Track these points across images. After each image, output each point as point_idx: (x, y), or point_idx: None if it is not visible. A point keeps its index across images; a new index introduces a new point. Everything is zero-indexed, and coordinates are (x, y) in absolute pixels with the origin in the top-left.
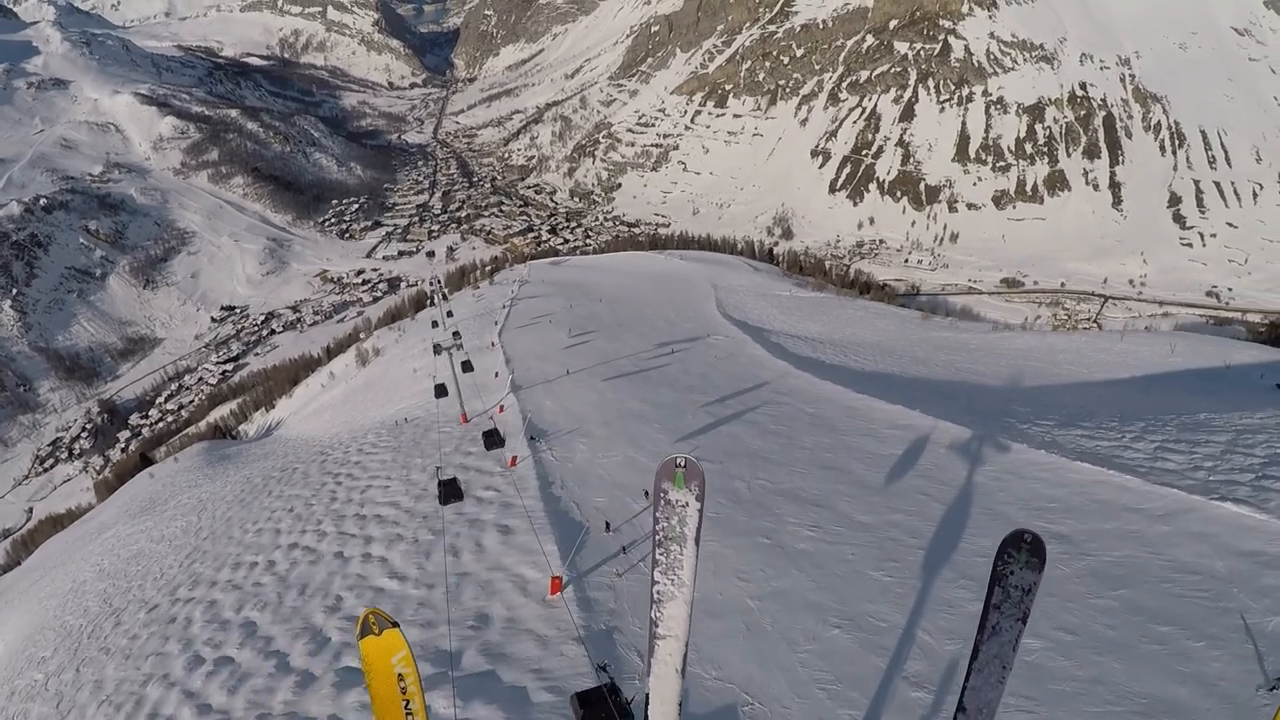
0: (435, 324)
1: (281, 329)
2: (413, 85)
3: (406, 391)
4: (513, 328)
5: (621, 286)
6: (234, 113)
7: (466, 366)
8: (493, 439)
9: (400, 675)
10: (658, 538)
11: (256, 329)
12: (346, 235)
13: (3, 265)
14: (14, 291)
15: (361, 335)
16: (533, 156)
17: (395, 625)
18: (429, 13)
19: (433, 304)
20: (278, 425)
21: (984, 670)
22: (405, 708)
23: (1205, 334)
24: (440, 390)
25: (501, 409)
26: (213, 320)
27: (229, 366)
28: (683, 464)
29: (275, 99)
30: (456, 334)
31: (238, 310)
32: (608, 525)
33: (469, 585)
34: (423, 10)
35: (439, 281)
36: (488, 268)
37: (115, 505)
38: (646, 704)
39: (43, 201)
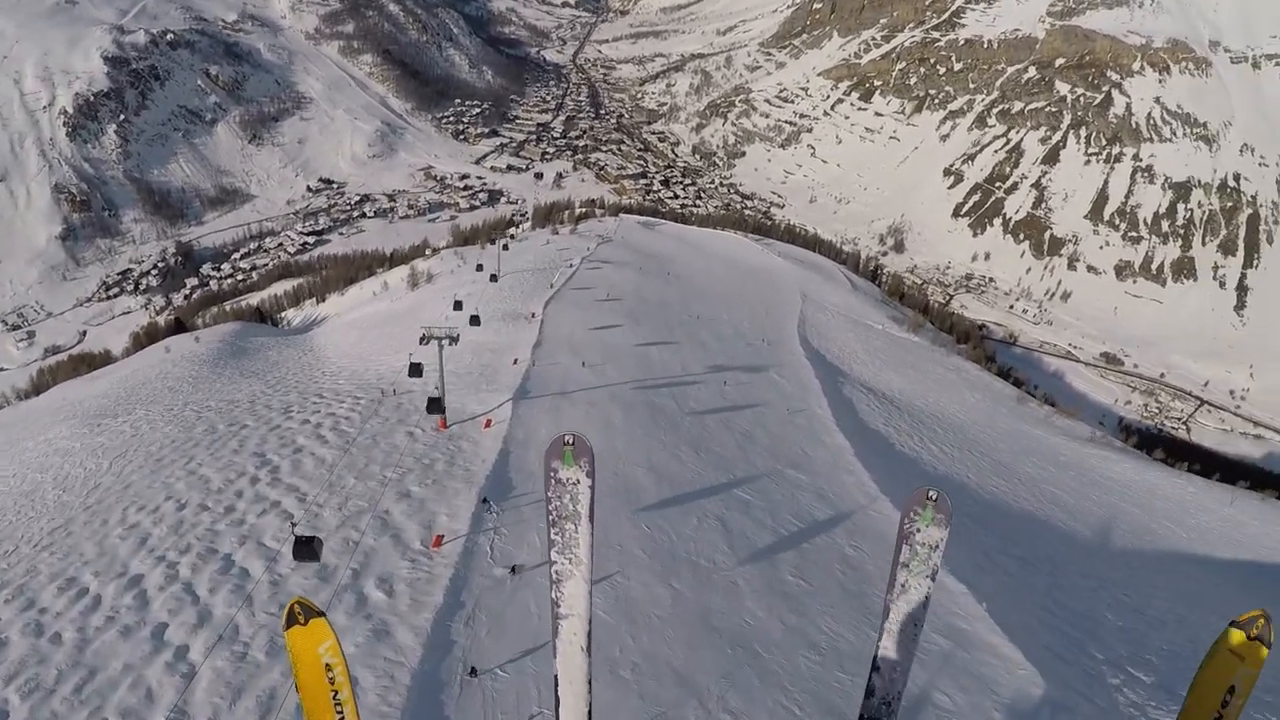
0: (480, 267)
1: (373, 214)
2: (564, 4)
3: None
4: (565, 299)
5: (707, 272)
6: None
7: (475, 320)
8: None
9: (328, 665)
10: (551, 517)
11: (349, 209)
12: (460, 137)
13: (117, 91)
14: (121, 117)
15: (427, 251)
16: (665, 103)
17: (321, 614)
18: None
19: (493, 243)
20: (319, 322)
21: (895, 629)
22: (334, 699)
23: None
24: (415, 369)
25: (489, 423)
26: (309, 190)
27: (310, 239)
28: (571, 441)
29: None
30: (458, 304)
31: (335, 185)
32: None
33: None
34: None
35: (506, 238)
36: (577, 211)
37: (96, 385)
38: (556, 685)
39: (170, 36)
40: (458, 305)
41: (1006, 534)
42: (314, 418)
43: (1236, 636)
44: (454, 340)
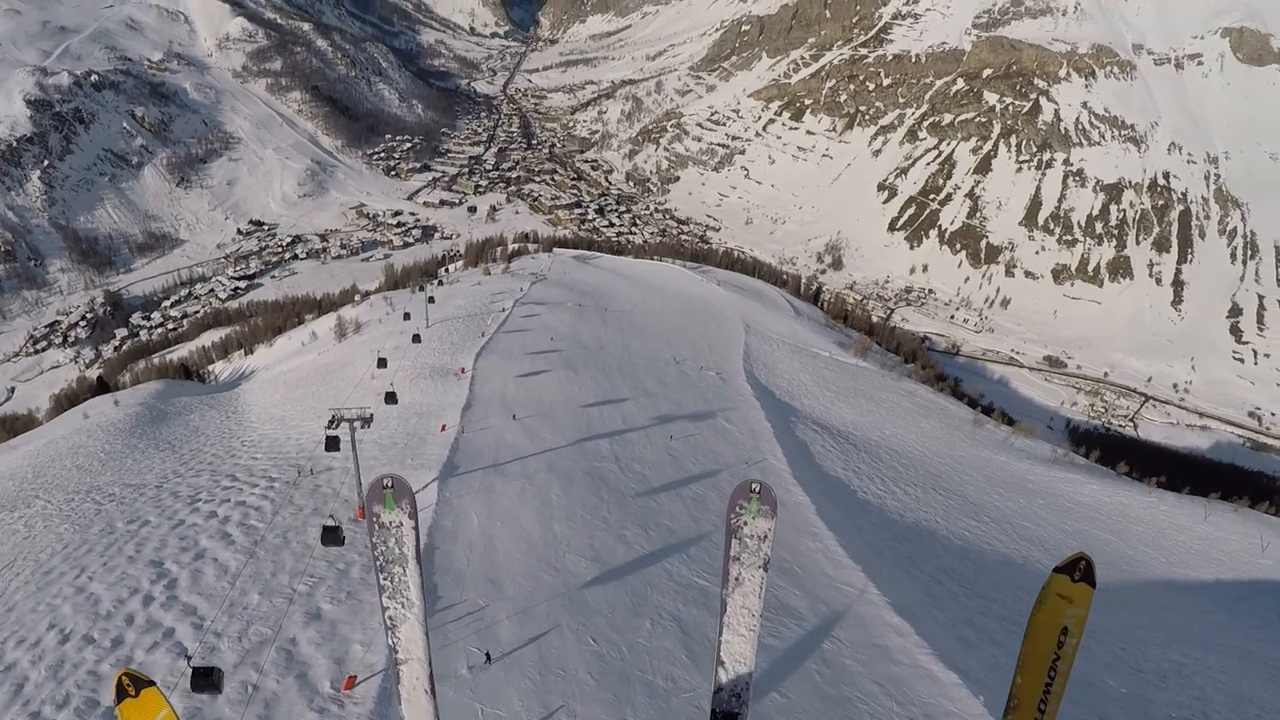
0: (408, 316)
1: (305, 256)
2: (493, 34)
3: (354, 399)
4: (497, 350)
5: (646, 307)
6: (307, 26)
7: (391, 399)
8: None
9: None
10: (378, 563)
11: (281, 251)
12: (392, 173)
13: (40, 135)
14: (45, 163)
15: (356, 298)
16: (597, 131)
17: (151, 683)
18: None
19: (423, 290)
20: (247, 376)
21: (734, 622)
22: None
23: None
24: (332, 443)
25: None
26: (239, 232)
27: (242, 284)
28: (390, 484)
29: (353, 20)
30: (382, 361)
31: (266, 227)
32: None
33: None
34: None
35: (428, 285)
36: (510, 248)
37: (7, 461)
38: None
39: (94, 78)
40: (382, 363)
41: (986, 591)
42: (222, 509)
43: (1061, 581)
44: (366, 423)
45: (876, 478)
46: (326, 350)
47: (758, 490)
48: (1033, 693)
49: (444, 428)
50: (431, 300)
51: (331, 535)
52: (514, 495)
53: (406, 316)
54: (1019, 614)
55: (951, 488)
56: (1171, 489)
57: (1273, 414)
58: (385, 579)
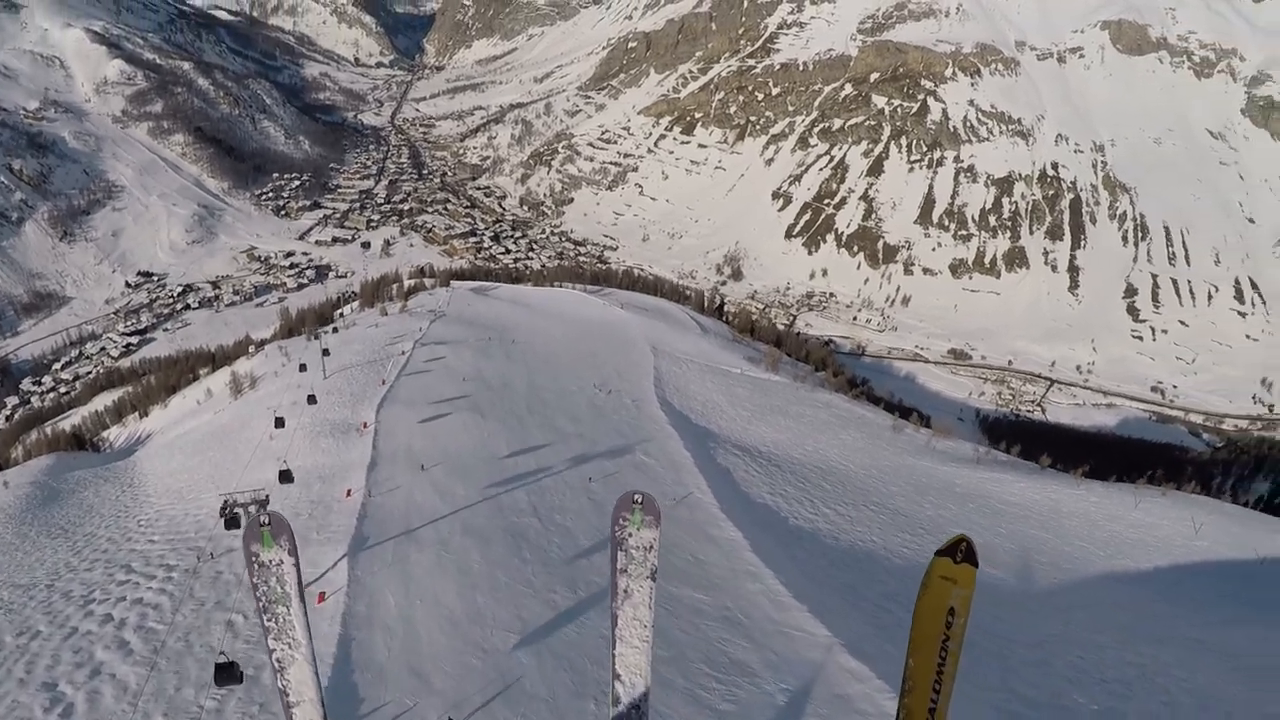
0: (304, 368)
1: (198, 305)
2: (378, 65)
3: (253, 465)
4: (399, 398)
5: (549, 337)
6: (187, 66)
7: (285, 478)
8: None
9: None
10: (261, 604)
11: (172, 302)
12: (282, 212)
13: None
14: None
15: (250, 349)
16: (488, 157)
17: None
18: None
19: (320, 337)
20: (143, 441)
21: (626, 634)
22: None
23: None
24: (231, 522)
25: (322, 597)
26: (128, 285)
27: (134, 340)
28: (266, 521)
29: (235, 57)
30: (279, 420)
31: (155, 278)
32: None
33: None
34: None
35: (320, 335)
36: (406, 285)
37: None
38: None
39: None
40: (279, 422)
41: None
42: (118, 609)
43: (944, 564)
44: (262, 505)
45: (805, 500)
46: (223, 409)
47: (640, 501)
48: (926, 674)
49: (349, 492)
50: (326, 353)
51: (226, 674)
52: (430, 566)
53: (303, 368)
54: (974, 637)
55: (882, 501)
56: (1097, 477)
57: (1174, 386)
58: (270, 620)
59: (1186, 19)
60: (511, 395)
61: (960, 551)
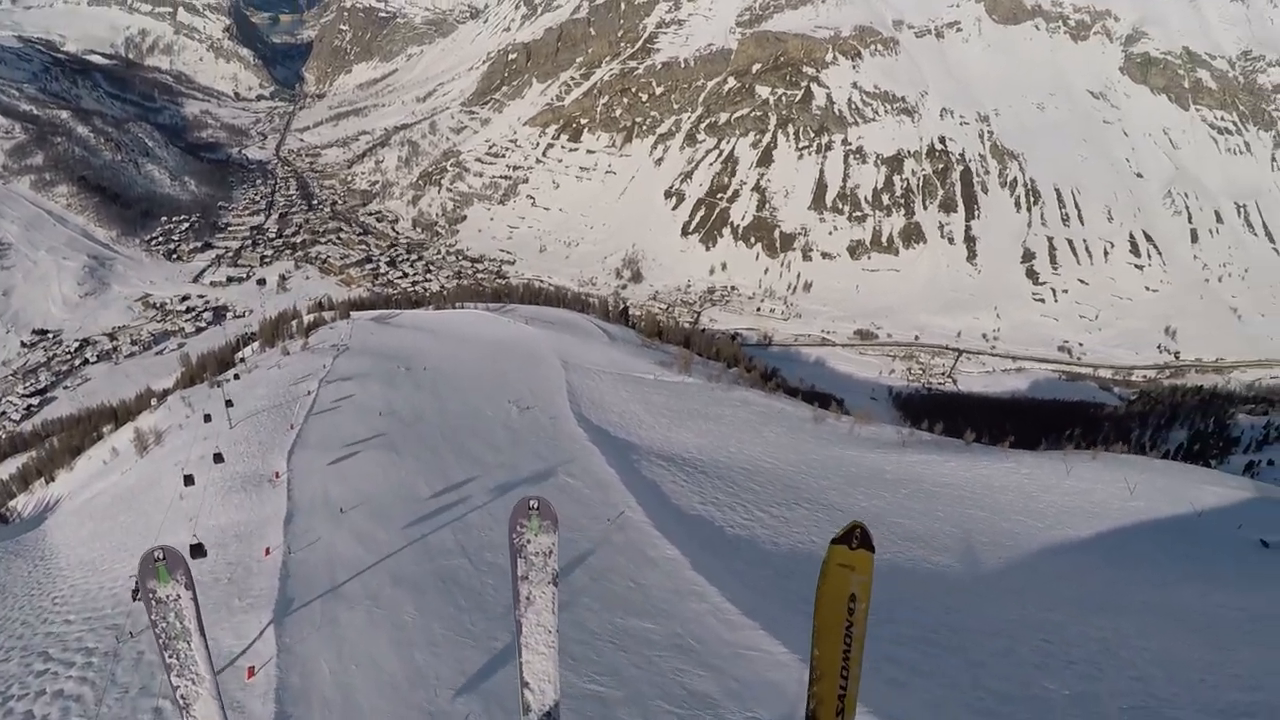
0: (208, 418)
1: (96, 359)
2: (259, 97)
3: (166, 528)
4: (310, 443)
5: (457, 361)
6: (65, 114)
7: (198, 551)
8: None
9: None
10: (161, 641)
11: (69, 358)
12: (174, 256)
13: None
14: None
15: (153, 401)
16: (377, 181)
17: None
18: (284, 23)
19: (222, 385)
20: (52, 508)
21: (532, 641)
22: None
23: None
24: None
25: (251, 672)
26: (23, 345)
27: (35, 401)
28: (161, 556)
29: (114, 102)
30: (189, 478)
31: (51, 335)
32: None
33: None
34: (277, 20)
35: (223, 382)
36: (305, 321)
37: None
38: None
39: None
40: (189, 480)
41: (889, 613)
42: (38, 705)
43: (840, 552)
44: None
45: (739, 506)
46: (129, 468)
47: (537, 507)
48: (832, 662)
49: (268, 551)
50: (229, 403)
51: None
52: (362, 625)
53: (207, 418)
54: (932, 632)
55: (814, 497)
56: (1021, 444)
57: (1080, 344)
58: (171, 657)
59: None
60: (425, 427)
61: (856, 538)
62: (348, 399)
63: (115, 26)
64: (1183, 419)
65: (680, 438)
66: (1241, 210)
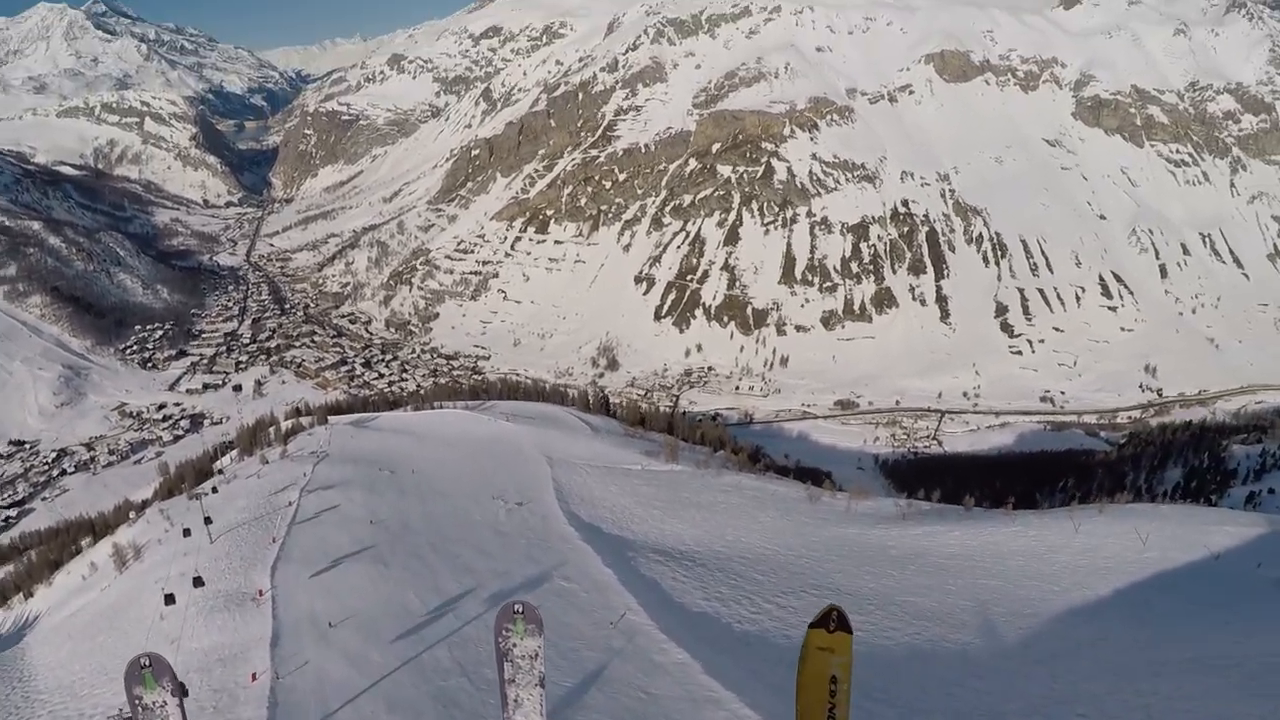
0: (188, 532)
1: (73, 469)
2: (228, 204)
3: (147, 651)
4: (293, 557)
5: (440, 463)
6: (37, 225)
7: (181, 692)
8: None
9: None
10: None
11: (46, 469)
12: (149, 364)
13: None
14: None
15: (131, 515)
16: (348, 283)
17: None
18: (249, 129)
19: (201, 499)
20: (30, 625)
21: None
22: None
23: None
24: None
25: None
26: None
27: (13, 513)
28: (147, 663)
29: (84, 212)
30: (169, 597)
31: (27, 446)
32: None
33: None
34: (243, 127)
35: (202, 495)
36: (283, 428)
37: None
38: None
39: None
40: (169, 599)
41: (911, 700)
42: None
43: (819, 635)
44: None
45: (743, 598)
46: (108, 585)
47: (521, 610)
48: None
49: (254, 677)
50: (208, 520)
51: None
52: None
53: (187, 533)
54: (965, 712)
55: (820, 582)
56: (1018, 501)
57: (1062, 393)
58: None
59: (1004, 38)
60: (412, 535)
61: (833, 620)
62: (331, 509)
63: (84, 137)
64: (1175, 456)
65: (675, 529)
66: (1207, 239)
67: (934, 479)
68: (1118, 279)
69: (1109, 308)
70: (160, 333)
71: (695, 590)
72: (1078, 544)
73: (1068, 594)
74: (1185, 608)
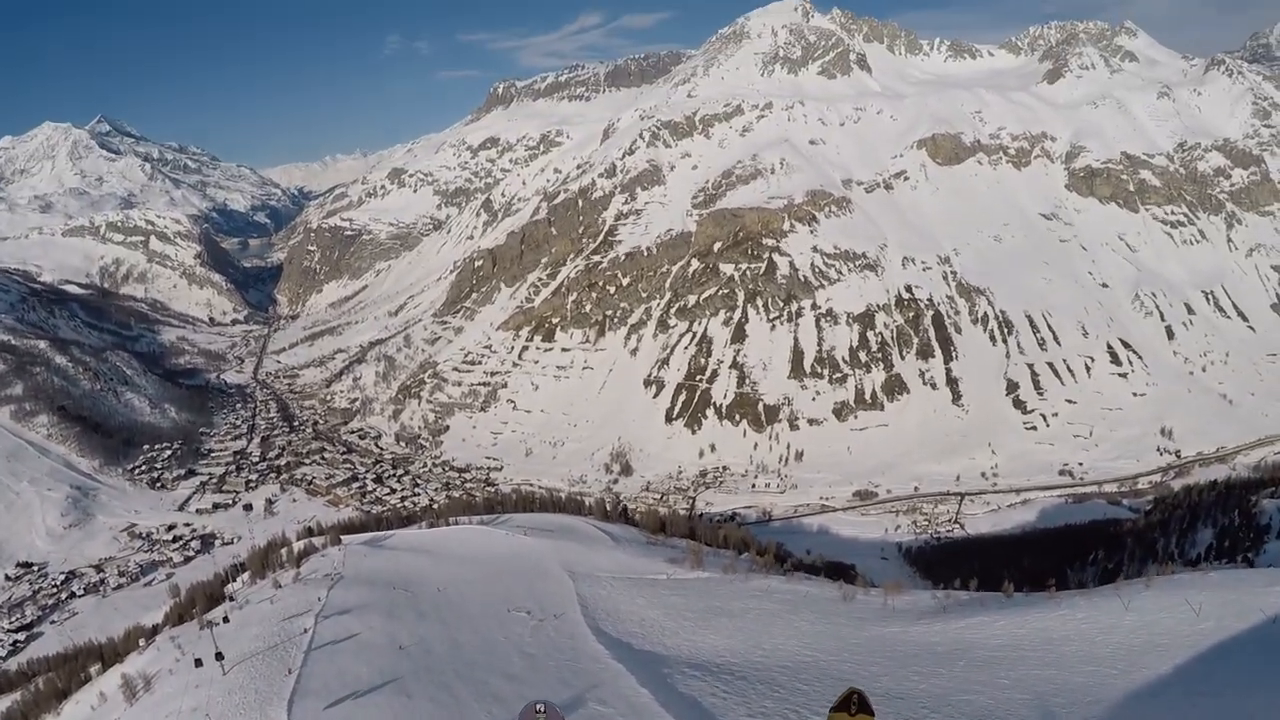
0: (199, 663)
1: (83, 592)
2: (234, 321)
3: None
4: (310, 691)
5: (459, 583)
6: (43, 344)
7: None
8: None
9: None
10: None
11: (55, 591)
12: (158, 484)
13: None
14: None
15: (141, 642)
16: (356, 399)
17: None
18: (253, 247)
19: (212, 627)
20: None
21: None
22: None
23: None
24: None
25: None
26: (7, 579)
27: (20, 637)
28: None
29: (91, 331)
30: None
31: (35, 568)
32: None
33: None
34: (247, 245)
35: (213, 625)
36: (296, 549)
37: None
38: None
39: None
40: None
41: None
42: None
43: (841, 719)
44: None
45: (789, 712)
46: (118, 718)
47: (543, 711)
48: None
49: None
50: (220, 656)
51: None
52: None
53: (199, 663)
54: None
55: (867, 687)
56: (1058, 581)
57: (1080, 464)
58: None
59: (993, 118)
60: (434, 662)
61: (854, 704)
62: (348, 636)
63: (90, 256)
64: (1204, 517)
65: (709, 641)
66: (1210, 297)
67: (960, 563)
68: (1125, 345)
69: (1119, 374)
70: (169, 452)
71: (739, 707)
72: (1129, 622)
73: (1126, 676)
74: (1252, 678)
